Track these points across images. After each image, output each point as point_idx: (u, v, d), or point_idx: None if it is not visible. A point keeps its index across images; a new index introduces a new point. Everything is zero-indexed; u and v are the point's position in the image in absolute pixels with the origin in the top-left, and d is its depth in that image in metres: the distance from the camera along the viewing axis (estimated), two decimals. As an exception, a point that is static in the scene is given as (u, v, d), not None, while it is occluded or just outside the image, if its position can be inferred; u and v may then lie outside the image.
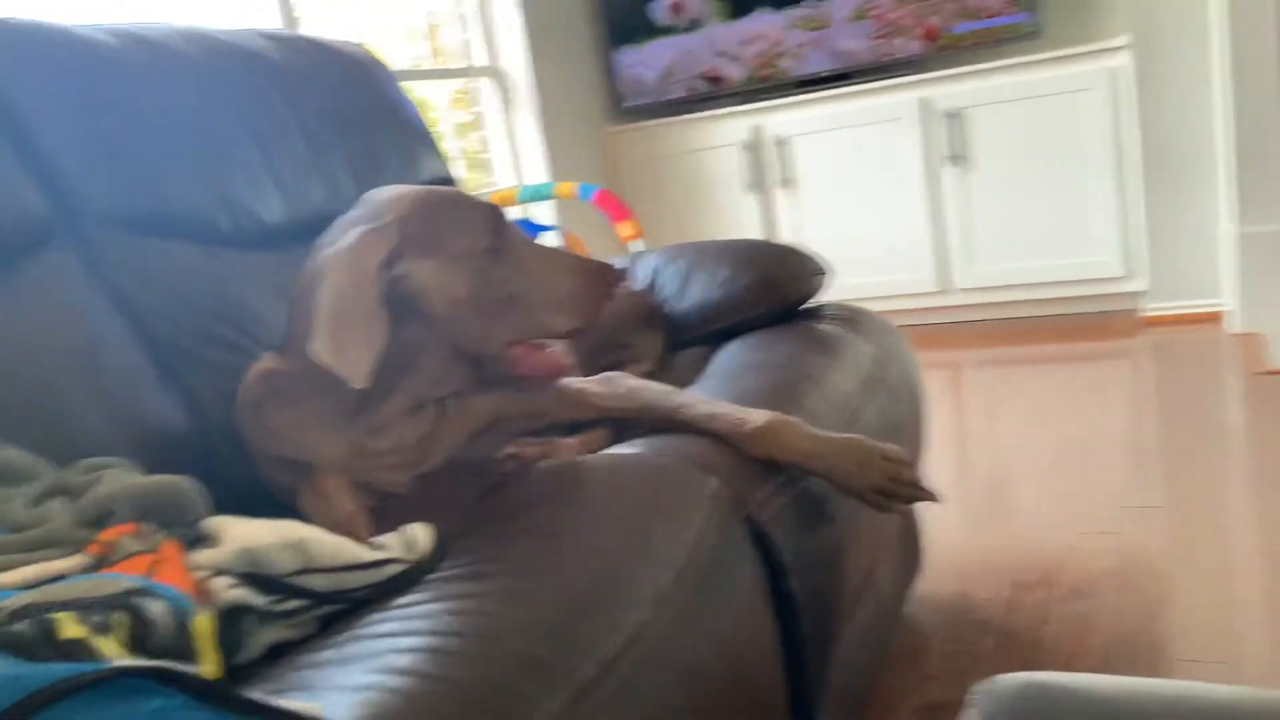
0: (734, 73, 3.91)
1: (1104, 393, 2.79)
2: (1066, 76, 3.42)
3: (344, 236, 1.03)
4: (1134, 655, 1.54)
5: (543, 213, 3.68)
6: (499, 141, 3.80)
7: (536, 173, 3.77)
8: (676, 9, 3.93)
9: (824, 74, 3.79)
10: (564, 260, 1.08)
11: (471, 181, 3.83)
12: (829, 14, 3.74)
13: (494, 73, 3.75)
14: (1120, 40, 3.29)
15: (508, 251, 1.06)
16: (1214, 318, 3.26)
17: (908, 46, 3.67)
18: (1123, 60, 3.29)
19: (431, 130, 1.93)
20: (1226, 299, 3.17)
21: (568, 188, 3.15)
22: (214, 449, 1.22)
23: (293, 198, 1.54)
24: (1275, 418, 2.40)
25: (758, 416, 1.15)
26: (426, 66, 3.61)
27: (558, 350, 1.37)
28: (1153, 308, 3.39)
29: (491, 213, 1.07)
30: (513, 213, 3.52)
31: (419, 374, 1.06)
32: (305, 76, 1.66)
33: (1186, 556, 1.81)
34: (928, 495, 1.17)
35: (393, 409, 1.08)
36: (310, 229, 1.56)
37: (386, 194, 1.08)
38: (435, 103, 3.70)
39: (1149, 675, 1.47)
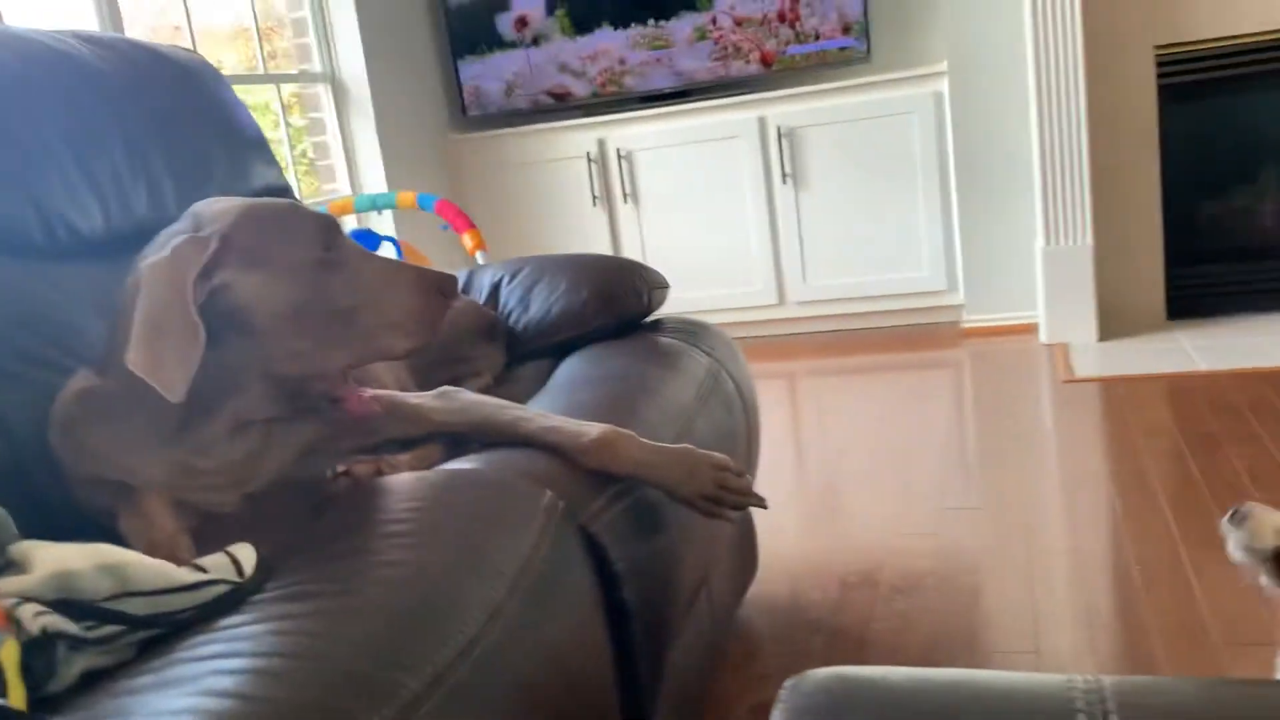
0: (579, 89, 3.95)
1: (927, 400, 2.94)
2: (893, 100, 3.60)
3: (164, 247, 1.00)
4: (952, 648, 1.64)
5: (383, 223, 3.62)
6: (337, 149, 3.72)
7: (375, 181, 3.71)
8: (521, 24, 3.95)
9: (666, 90, 3.87)
10: (401, 272, 1.06)
11: (308, 189, 3.74)
12: (671, 34, 3.82)
13: (331, 79, 3.67)
14: (942, 66, 3.49)
15: (341, 264, 1.04)
16: (1029, 329, 3.49)
17: (746, 68, 3.78)
18: (945, 85, 3.49)
19: (267, 137, 1.89)
20: (1040, 311, 3.39)
21: (408, 197, 3.12)
22: (26, 471, 1.16)
23: (113, 207, 1.48)
24: (1078, 422, 2.58)
25: (593, 429, 1.18)
26: (261, 69, 3.50)
27: (386, 381, 1.36)
28: (972, 320, 3.60)
29: (324, 224, 1.05)
30: (350, 223, 3.46)
31: (244, 394, 1.03)
32: (129, 82, 1.59)
33: (999, 554, 1.93)
34: (756, 501, 1.22)
35: (217, 428, 1.05)
36: (133, 240, 1.50)
37: (212, 205, 1.06)
38: (272, 108, 3.59)
39: (966, 666, 1.57)
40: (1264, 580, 1.14)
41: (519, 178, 4.04)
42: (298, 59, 3.70)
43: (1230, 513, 1.14)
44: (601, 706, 1.02)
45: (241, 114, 1.84)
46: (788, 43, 3.73)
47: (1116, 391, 2.79)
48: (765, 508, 1.23)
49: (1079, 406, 2.70)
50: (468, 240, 3.00)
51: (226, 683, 0.70)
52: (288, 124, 3.55)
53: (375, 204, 3.15)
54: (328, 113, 3.69)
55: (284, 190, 1.91)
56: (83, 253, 1.43)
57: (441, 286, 1.07)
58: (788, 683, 0.65)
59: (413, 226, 3.69)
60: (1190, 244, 3.43)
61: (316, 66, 3.65)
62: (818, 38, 3.70)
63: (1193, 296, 3.41)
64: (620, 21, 3.86)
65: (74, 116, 1.46)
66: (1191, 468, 2.21)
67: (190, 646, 0.77)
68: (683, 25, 3.80)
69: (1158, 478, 2.18)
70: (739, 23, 3.76)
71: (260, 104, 3.54)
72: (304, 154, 3.73)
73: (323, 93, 3.68)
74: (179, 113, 1.67)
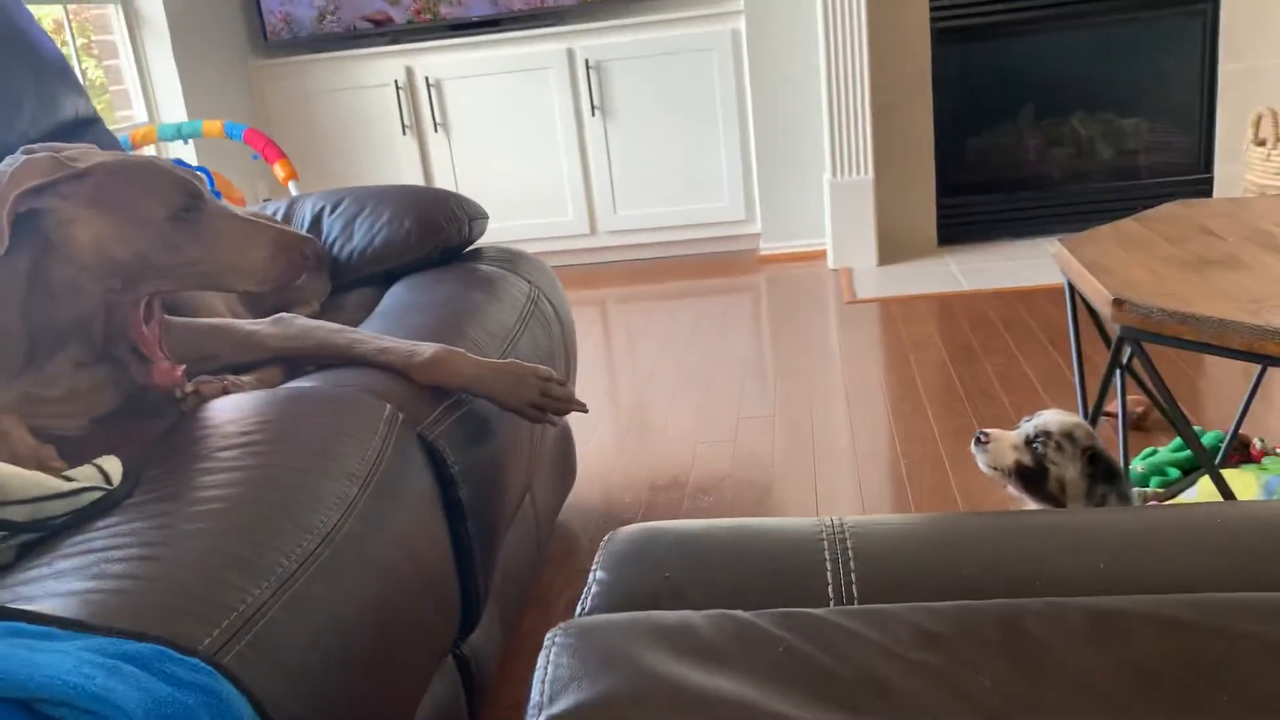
0: (395, 15, 3.92)
1: (727, 323, 3.17)
2: (694, 36, 3.77)
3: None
4: (746, 537, 1.86)
5: (188, 152, 3.52)
6: (131, 74, 3.57)
7: (174, 110, 3.60)
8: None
9: (474, 19, 3.90)
10: (264, 233, 1.14)
11: (105, 117, 3.58)
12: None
13: (122, 1, 3.51)
14: (739, 4, 3.67)
15: (199, 224, 1.11)
16: (819, 255, 3.78)
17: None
18: (743, 24, 3.69)
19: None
20: (828, 239, 3.68)
21: (215, 126, 3.06)
22: None
23: (-81, 137, 1.46)
24: (859, 337, 2.87)
25: (426, 349, 1.30)
26: (43, -11, 3.31)
27: (218, 308, 1.43)
28: (768, 247, 3.87)
29: (181, 185, 1.11)
30: (153, 152, 3.36)
31: (86, 331, 1.10)
32: (-77, 6, 1.55)
33: (789, 455, 2.17)
34: (578, 406, 1.37)
35: (63, 362, 1.11)
36: (-59, 171, 1.49)
37: (87, 148, 1.11)
38: (52, 26, 3.41)
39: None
40: (1009, 489, 1.38)
41: (326, 106, 3.99)
42: (82, -23, 3.50)
43: (975, 438, 1.39)
44: (444, 589, 1.16)
45: (43, 40, 1.81)
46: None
47: (892, 310, 3.10)
48: (586, 411, 1.39)
49: (860, 324, 3.00)
50: (279, 170, 2.99)
51: (118, 568, 0.80)
52: (75, 48, 3.38)
53: (180, 133, 3.07)
54: (119, 36, 3.53)
55: (94, 120, 1.90)
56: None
57: (302, 248, 1.15)
58: (605, 538, 0.81)
59: (219, 156, 3.61)
60: (958, 177, 3.79)
61: (104, -14, 3.48)
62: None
63: (960, 224, 3.78)
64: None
65: None
66: (952, 375, 2.53)
67: (73, 545, 0.86)
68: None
69: (924, 384, 2.48)
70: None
71: (44, 26, 3.35)
72: (95, 81, 3.57)
73: (114, 15, 3.51)
74: (-22, 40, 1.63)
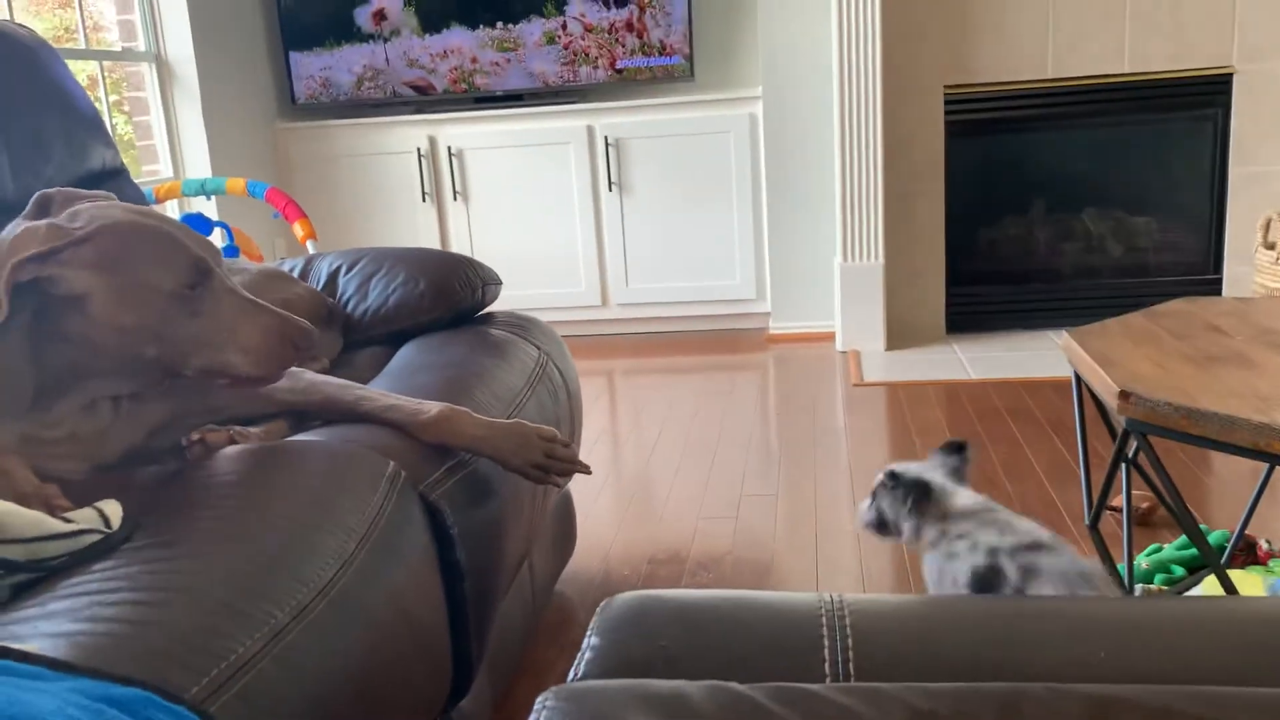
0: (434, 83, 4.01)
1: (733, 399, 3.18)
2: (713, 119, 3.84)
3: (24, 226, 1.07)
4: (744, 616, 1.83)
5: (209, 208, 3.58)
6: (160, 130, 3.65)
7: (199, 165, 3.67)
8: (379, 18, 3.97)
9: (499, 94, 3.98)
10: (263, 317, 1.13)
11: (131, 170, 3.65)
12: (520, 36, 3.94)
13: (156, 58, 3.60)
14: (757, 90, 3.75)
15: (203, 301, 1.10)
16: (827, 337, 3.80)
17: (594, 74, 3.93)
18: (760, 108, 3.76)
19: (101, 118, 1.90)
20: (836, 321, 3.70)
21: (238, 183, 3.11)
22: None
23: (-51, 179, 1.49)
24: (864, 419, 2.87)
25: (432, 407, 1.30)
26: (84, 42, 3.40)
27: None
28: (777, 327, 3.89)
29: (194, 264, 1.10)
30: (176, 207, 3.42)
31: (94, 375, 1.10)
32: (-36, 54, 1.60)
33: (790, 534, 2.15)
34: (582, 468, 1.36)
35: (67, 406, 1.11)
36: (-32, 213, 1.52)
37: (99, 208, 1.11)
38: (87, 82, 3.49)
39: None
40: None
41: (348, 170, 4.06)
42: (121, 35, 3.60)
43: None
44: (436, 651, 1.14)
45: (78, 93, 1.85)
46: (633, 53, 3.91)
47: (899, 395, 3.10)
48: (589, 473, 1.39)
49: (866, 407, 2.99)
50: (298, 229, 3.03)
51: (110, 611, 0.79)
52: (108, 103, 3.46)
53: (204, 188, 3.13)
54: (151, 92, 3.62)
55: (119, 171, 1.94)
56: (-83, 224, 1.43)
57: (296, 338, 1.13)
58: (602, 603, 0.81)
59: (240, 212, 3.67)
60: (968, 266, 3.82)
61: (141, 45, 3.57)
62: (663, 50, 3.89)
63: (969, 313, 3.80)
64: (470, 21, 3.95)
65: (-89, 87, 1.47)
66: (957, 462, 2.51)
67: (68, 586, 0.85)
68: (532, 29, 3.93)
69: (929, 470, 2.47)
70: (588, 29, 3.91)
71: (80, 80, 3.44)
72: (125, 135, 3.64)
73: (147, 72, 3.60)
74: (16, 90, 1.68)
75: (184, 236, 1.12)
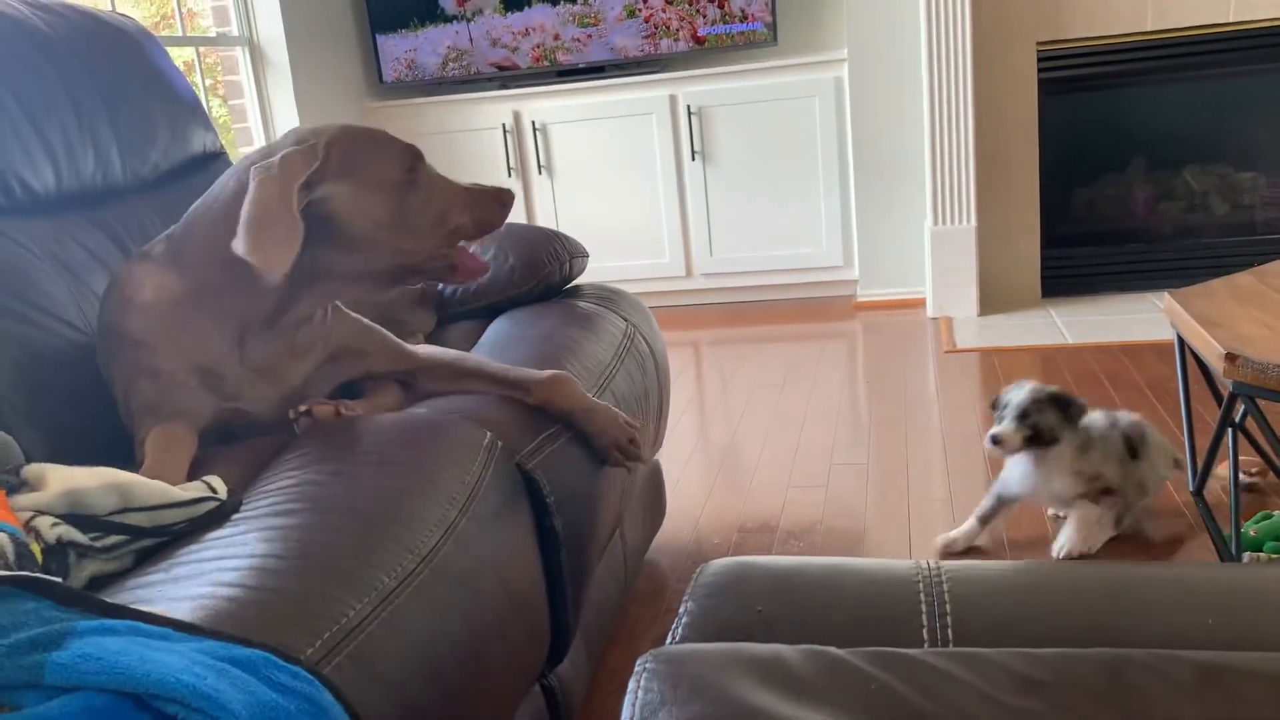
0: (518, 61, 4.05)
1: (822, 368, 3.15)
2: (797, 84, 3.79)
3: (271, 156, 1.16)
4: (835, 584, 1.83)
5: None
6: (254, 113, 3.75)
7: (295, 147, 3.75)
8: (440, -7, 4.02)
9: (581, 66, 3.99)
10: (468, 189, 1.28)
11: (229, 154, 3.76)
12: (601, 11, 3.94)
13: (249, 42, 3.70)
14: (842, 53, 3.69)
15: (422, 183, 1.23)
16: (918, 303, 3.74)
17: (675, 45, 3.92)
18: (845, 71, 3.70)
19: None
20: (927, 287, 3.64)
21: (330, 164, 3.18)
22: (2, 418, 1.25)
23: (64, 167, 1.56)
24: (957, 388, 2.82)
25: (545, 372, 1.38)
26: (180, 29, 3.51)
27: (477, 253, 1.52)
28: (865, 294, 3.84)
29: (409, 150, 1.24)
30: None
31: (329, 284, 1.22)
32: (74, 46, 1.66)
33: (882, 504, 2.14)
34: (643, 459, 1.43)
35: (296, 315, 1.23)
36: (80, 199, 1.59)
37: (313, 126, 1.23)
38: (183, 67, 3.60)
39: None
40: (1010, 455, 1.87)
41: (436, 146, 4.12)
42: (215, 21, 3.70)
43: (990, 439, 1.82)
44: (534, 616, 1.17)
45: (178, 78, 1.92)
46: (714, 22, 3.88)
47: (993, 361, 3.04)
48: (646, 464, 1.46)
49: (959, 374, 2.95)
50: (388, 207, 3.09)
51: (230, 576, 0.83)
52: (204, 87, 3.56)
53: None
54: (245, 76, 3.71)
55: (220, 154, 2.00)
56: (36, 210, 1.51)
57: (500, 197, 1.28)
58: (698, 569, 0.82)
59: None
60: (1064, 228, 3.71)
61: (234, 30, 3.67)
62: (744, 18, 3.85)
63: (1065, 276, 3.70)
64: (544, -1, 3.97)
65: (26, 80, 1.54)
66: (1053, 429, 2.46)
67: (189, 553, 0.90)
68: (613, 3, 3.92)
69: (1023, 438, 2.42)
70: (669, 1, 3.89)
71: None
72: (220, 119, 3.75)
73: (240, 56, 3.70)
74: (121, 77, 1.74)
75: (387, 133, 1.26)
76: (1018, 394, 1.83)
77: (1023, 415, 1.80)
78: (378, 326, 1.38)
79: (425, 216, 1.22)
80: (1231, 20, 3.37)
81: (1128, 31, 3.45)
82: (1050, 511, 2.02)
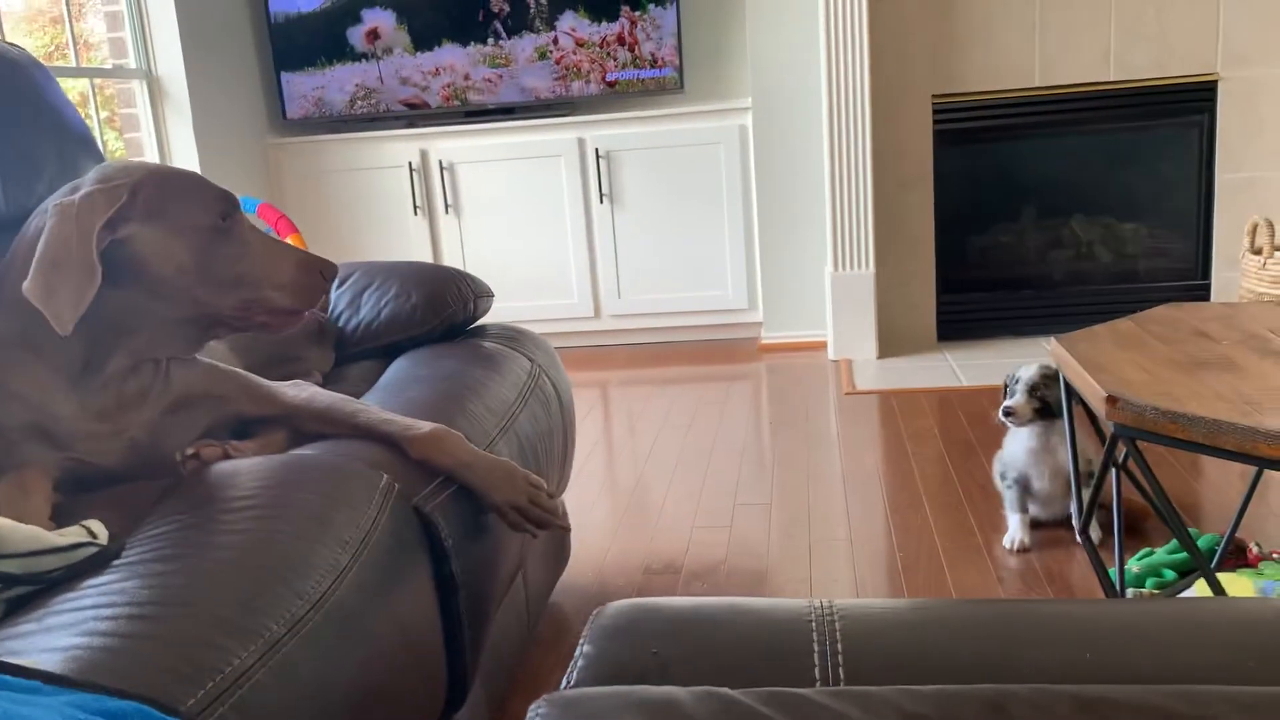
0: (428, 100, 4.03)
1: (726, 409, 3.19)
2: (703, 130, 3.86)
3: (75, 194, 1.09)
4: (738, 625, 1.84)
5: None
6: (151, 146, 3.66)
7: (193, 182, 3.67)
8: (372, 36, 3.99)
9: (490, 107, 4.00)
10: (288, 251, 1.21)
11: (120, 186, 3.65)
12: (512, 52, 3.95)
13: (147, 75, 3.61)
14: (747, 102, 3.77)
15: (236, 234, 1.17)
16: (819, 346, 3.81)
17: (586, 88, 3.95)
18: (750, 120, 3.78)
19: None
20: (828, 330, 3.72)
21: (230, 200, 3.12)
22: None
23: (-59, 198, 1.50)
24: (857, 428, 2.88)
25: (425, 425, 1.30)
26: (74, 60, 3.41)
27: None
28: (769, 336, 3.90)
29: (224, 196, 1.18)
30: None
31: (139, 335, 1.15)
32: (-44, 74, 1.60)
33: (784, 543, 2.16)
34: (561, 525, 1.35)
35: (114, 368, 1.15)
36: (-38, 231, 1.52)
37: (121, 164, 1.17)
38: (78, 99, 3.50)
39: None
40: (1014, 427, 2.14)
41: (340, 184, 4.07)
42: (112, 52, 3.61)
43: (1003, 411, 2.07)
44: (431, 663, 1.15)
45: (69, 111, 1.86)
46: (624, 66, 3.93)
47: (891, 403, 3.11)
48: (567, 531, 1.38)
49: (859, 415, 3.01)
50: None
51: (105, 626, 0.80)
52: (99, 120, 3.46)
53: (194, 204, 3.12)
54: (142, 109, 3.62)
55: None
56: (-90, 242, 1.44)
57: (323, 269, 1.22)
58: (594, 612, 0.81)
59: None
60: (959, 274, 3.84)
61: (132, 62, 3.58)
62: (654, 63, 3.90)
63: (960, 321, 3.82)
64: (462, 39, 3.97)
65: (-97, 107, 1.47)
66: (950, 469, 2.53)
67: (64, 601, 0.86)
68: (524, 45, 3.95)
69: (922, 477, 2.48)
70: (580, 44, 3.93)
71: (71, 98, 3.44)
72: (116, 152, 3.65)
73: (138, 89, 3.61)
74: (8, 109, 1.68)
75: (201, 176, 1.19)
76: (1027, 371, 2.06)
77: (1032, 389, 2.02)
78: (235, 370, 1.30)
79: (232, 269, 1.16)
80: (1112, 79, 3.56)
81: (1017, 87, 3.60)
82: (1030, 511, 2.15)
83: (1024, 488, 2.12)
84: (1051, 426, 2.06)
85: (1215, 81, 3.53)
